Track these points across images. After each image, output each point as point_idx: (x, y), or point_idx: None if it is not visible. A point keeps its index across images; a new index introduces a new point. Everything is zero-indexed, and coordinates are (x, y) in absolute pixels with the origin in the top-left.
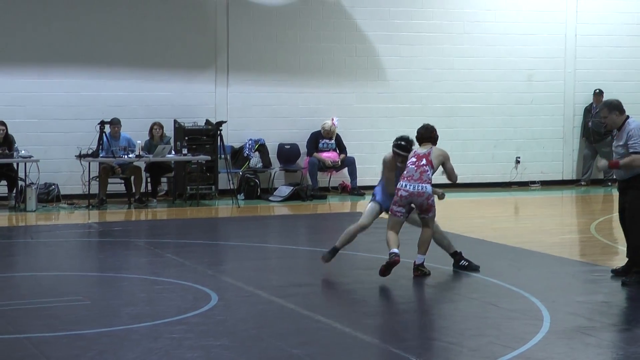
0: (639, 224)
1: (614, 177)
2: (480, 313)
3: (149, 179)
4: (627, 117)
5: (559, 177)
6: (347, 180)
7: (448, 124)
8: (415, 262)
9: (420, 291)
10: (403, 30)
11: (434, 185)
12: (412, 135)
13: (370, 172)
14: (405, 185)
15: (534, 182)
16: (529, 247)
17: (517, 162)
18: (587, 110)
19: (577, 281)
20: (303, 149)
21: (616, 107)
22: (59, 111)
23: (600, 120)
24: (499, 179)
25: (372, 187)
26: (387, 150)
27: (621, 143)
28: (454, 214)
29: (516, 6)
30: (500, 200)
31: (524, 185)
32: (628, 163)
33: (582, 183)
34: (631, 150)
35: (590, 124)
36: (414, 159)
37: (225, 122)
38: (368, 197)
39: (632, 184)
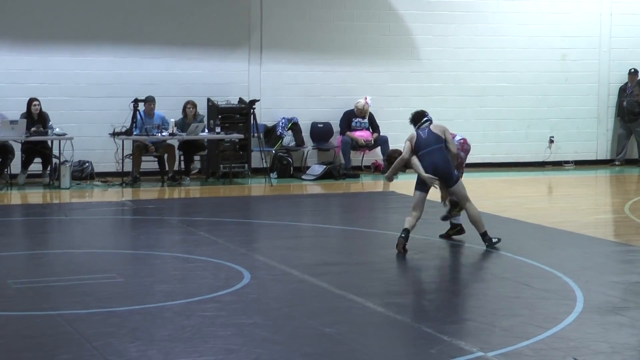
0: None
1: None
2: (513, 293)
3: (182, 157)
4: None
5: (592, 157)
6: (380, 159)
7: (481, 103)
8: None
9: (452, 271)
10: (436, 9)
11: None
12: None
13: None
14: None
15: (567, 162)
16: (562, 227)
17: (551, 141)
18: (622, 90)
19: (610, 261)
20: (336, 128)
21: None
22: (93, 89)
23: (635, 99)
24: (532, 159)
25: None
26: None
27: None
28: (486, 194)
29: None
30: (534, 180)
31: (557, 165)
32: None
33: (617, 163)
34: None
35: (624, 103)
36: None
37: (259, 100)
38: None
39: None
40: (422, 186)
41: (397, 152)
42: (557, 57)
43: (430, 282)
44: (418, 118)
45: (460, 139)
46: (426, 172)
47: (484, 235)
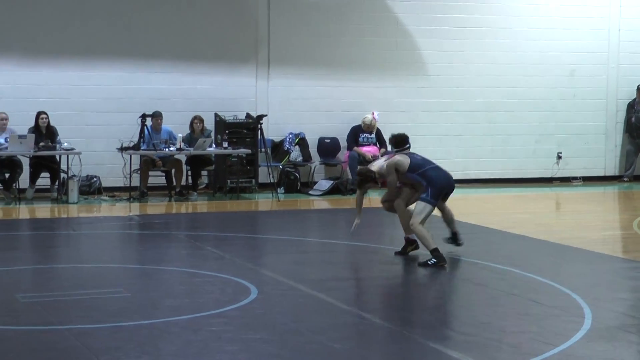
0: None
1: None
2: (521, 309)
3: (189, 172)
4: None
5: (601, 173)
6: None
7: (489, 118)
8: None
9: (460, 286)
10: (444, 25)
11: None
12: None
13: None
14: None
15: (575, 178)
16: (570, 244)
17: (559, 157)
18: (630, 106)
19: (619, 278)
20: (343, 143)
21: None
22: (102, 104)
23: None
24: (540, 175)
25: None
26: (427, 145)
27: None
28: (495, 210)
29: (559, 0)
30: (542, 195)
31: (565, 180)
32: None
33: (625, 179)
34: None
35: (633, 119)
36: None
37: (266, 115)
38: None
39: None
40: (436, 200)
41: (371, 172)
42: (566, 72)
43: (437, 297)
44: (402, 142)
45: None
46: (440, 184)
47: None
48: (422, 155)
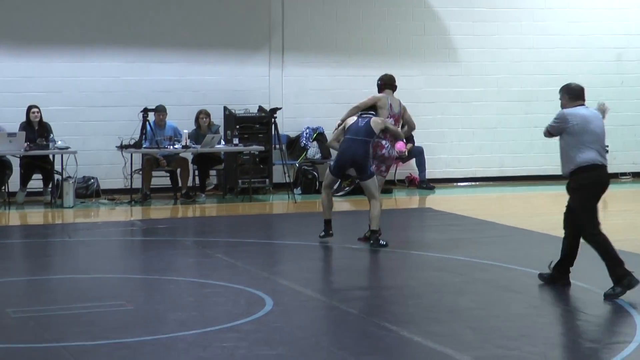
0: None
1: None
2: (565, 320)
3: (196, 172)
4: None
5: None
6: (415, 172)
7: (527, 109)
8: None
9: (495, 295)
10: (477, 6)
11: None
12: None
13: (440, 163)
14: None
15: (624, 174)
16: (619, 247)
17: (606, 151)
18: None
19: None
20: None
21: None
22: (99, 98)
23: None
24: None
25: (442, 180)
26: (458, 139)
27: None
28: (534, 210)
29: None
30: None
31: (613, 177)
32: None
33: None
34: None
35: None
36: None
37: (280, 108)
38: (438, 191)
39: None
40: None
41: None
42: (611, 57)
43: (471, 307)
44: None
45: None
46: (342, 158)
47: (374, 233)
48: (363, 125)
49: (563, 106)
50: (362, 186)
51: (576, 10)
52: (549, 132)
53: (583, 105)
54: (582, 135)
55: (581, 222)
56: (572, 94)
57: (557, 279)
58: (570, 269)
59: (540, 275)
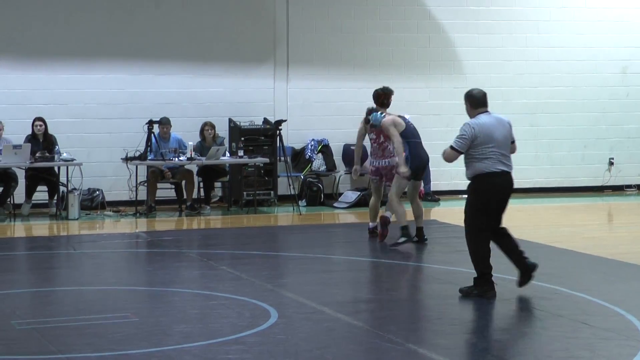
0: None
1: None
2: (570, 332)
3: (201, 184)
4: None
5: None
6: (421, 184)
7: (532, 121)
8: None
9: (503, 307)
10: (482, 18)
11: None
12: None
13: (445, 176)
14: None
15: (629, 186)
16: (624, 259)
17: (611, 163)
18: None
19: None
20: None
21: None
22: (104, 110)
23: None
24: (590, 183)
25: (448, 193)
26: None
27: None
28: (540, 222)
29: None
30: (592, 206)
31: (618, 189)
32: None
33: None
34: None
35: None
36: (373, 136)
37: (285, 120)
38: (443, 204)
39: None
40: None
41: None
42: (617, 69)
43: (476, 320)
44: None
45: None
46: (420, 161)
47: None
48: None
49: (467, 113)
50: (416, 186)
51: (581, 22)
52: (457, 151)
53: (486, 111)
54: (485, 145)
55: (465, 216)
56: (474, 102)
57: (524, 274)
58: (524, 255)
59: (519, 284)
